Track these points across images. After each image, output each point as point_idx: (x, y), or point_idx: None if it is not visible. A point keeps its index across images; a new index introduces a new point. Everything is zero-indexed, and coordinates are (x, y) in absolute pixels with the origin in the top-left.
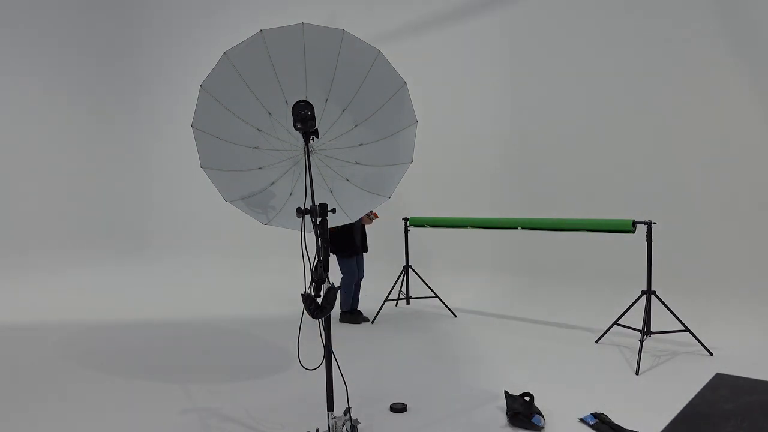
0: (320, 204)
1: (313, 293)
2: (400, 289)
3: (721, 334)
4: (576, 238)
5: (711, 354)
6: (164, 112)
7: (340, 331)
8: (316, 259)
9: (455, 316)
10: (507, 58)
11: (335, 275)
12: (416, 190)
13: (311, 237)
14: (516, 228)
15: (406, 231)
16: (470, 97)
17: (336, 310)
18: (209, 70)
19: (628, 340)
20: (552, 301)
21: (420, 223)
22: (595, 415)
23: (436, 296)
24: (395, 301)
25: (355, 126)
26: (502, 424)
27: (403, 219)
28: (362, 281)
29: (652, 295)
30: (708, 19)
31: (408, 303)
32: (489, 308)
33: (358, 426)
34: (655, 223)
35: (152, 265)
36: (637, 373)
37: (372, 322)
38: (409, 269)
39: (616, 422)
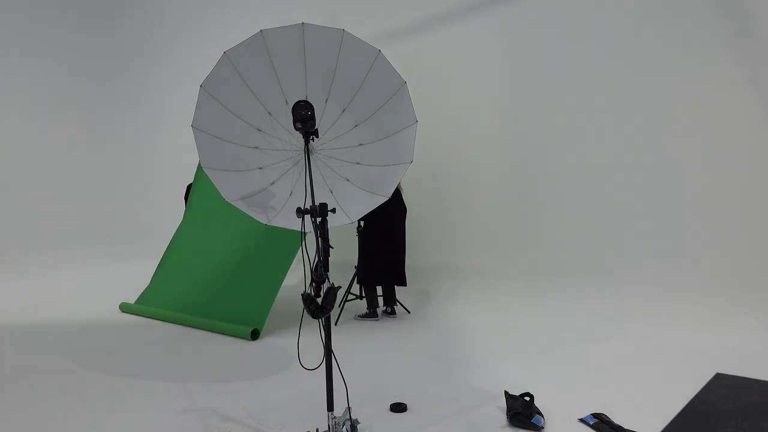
0: (320, 204)
1: (313, 293)
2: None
3: (722, 333)
4: (577, 237)
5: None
6: (164, 112)
7: (340, 331)
8: (316, 259)
9: (409, 312)
10: (507, 57)
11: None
12: (416, 190)
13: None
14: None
15: (358, 232)
16: (470, 96)
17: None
18: (209, 70)
19: (627, 339)
20: (552, 300)
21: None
22: (595, 415)
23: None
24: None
25: (355, 126)
26: (502, 424)
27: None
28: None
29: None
30: (708, 17)
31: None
32: (489, 308)
33: (358, 426)
34: None
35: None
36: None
37: (336, 324)
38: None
39: (616, 422)
